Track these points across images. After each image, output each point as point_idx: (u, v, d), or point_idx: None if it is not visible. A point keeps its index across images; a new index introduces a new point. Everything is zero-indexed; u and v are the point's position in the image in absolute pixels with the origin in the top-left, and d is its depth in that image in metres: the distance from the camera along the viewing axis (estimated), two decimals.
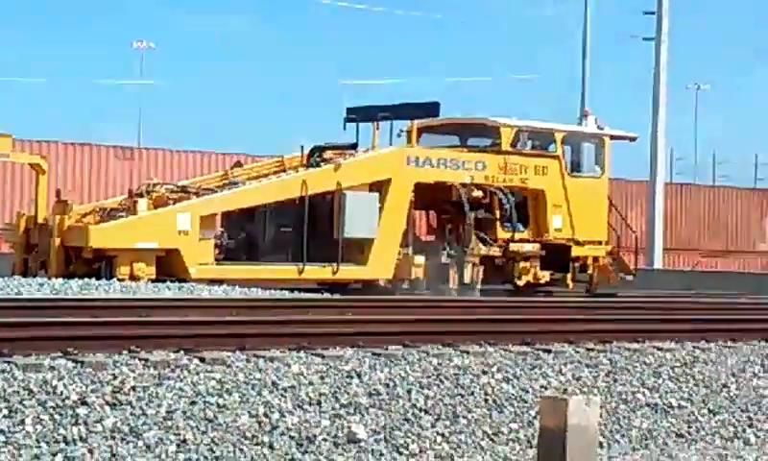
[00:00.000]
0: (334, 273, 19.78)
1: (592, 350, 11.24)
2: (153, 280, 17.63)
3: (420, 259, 20.53)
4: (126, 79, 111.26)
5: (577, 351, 11.09)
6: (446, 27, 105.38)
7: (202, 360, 8.93)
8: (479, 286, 20.96)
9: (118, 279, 17.30)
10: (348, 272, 20.01)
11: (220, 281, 17.87)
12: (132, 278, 17.69)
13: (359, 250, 20.11)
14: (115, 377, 8.25)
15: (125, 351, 8.89)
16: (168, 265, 18.32)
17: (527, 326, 12.17)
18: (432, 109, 21.70)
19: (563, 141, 22.79)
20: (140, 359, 8.71)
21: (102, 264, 17.93)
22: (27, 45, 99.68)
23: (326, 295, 17.39)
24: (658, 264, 32.18)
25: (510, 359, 10.44)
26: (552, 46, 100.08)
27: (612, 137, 23.84)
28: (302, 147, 21.14)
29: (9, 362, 8.21)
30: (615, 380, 10.62)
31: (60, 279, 16.41)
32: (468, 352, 10.40)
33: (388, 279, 20.45)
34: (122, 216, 18.60)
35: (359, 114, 21.73)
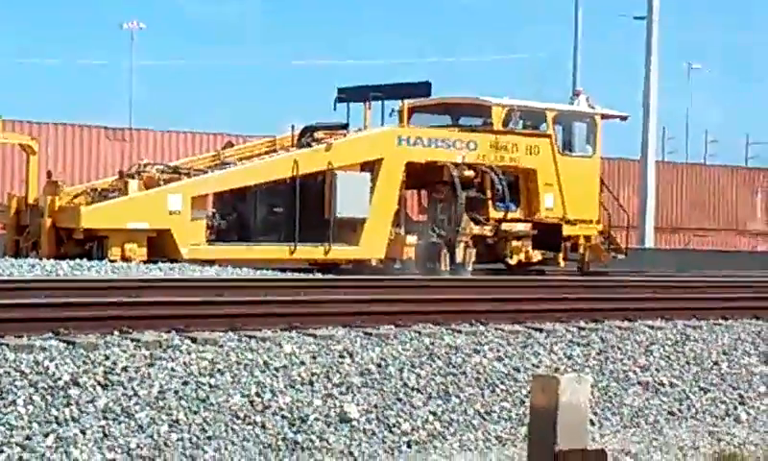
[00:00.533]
0: (326, 253, 19.80)
1: (584, 328, 11.26)
2: (144, 261, 17.64)
3: (411, 239, 20.53)
4: (116, 60, 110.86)
5: (569, 330, 11.12)
6: (435, 6, 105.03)
7: (193, 340, 8.93)
8: (471, 266, 20.99)
9: (110, 261, 17.31)
10: (339, 252, 20.02)
11: (211, 262, 17.87)
12: (124, 258, 17.70)
13: (351, 230, 20.11)
14: (107, 358, 8.26)
15: (116, 332, 8.89)
16: (160, 246, 18.30)
17: (519, 304, 12.19)
18: (423, 88, 21.66)
19: (554, 120, 22.78)
20: (132, 340, 8.71)
21: (93, 245, 17.93)
22: (22, 29, 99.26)
23: (318, 275, 17.41)
24: (649, 243, 32.23)
25: (502, 338, 10.46)
26: (542, 25, 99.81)
27: (604, 117, 23.84)
28: (293, 127, 21.10)
29: (0, 344, 8.20)
30: (607, 359, 10.65)
31: (52, 261, 16.40)
32: (460, 332, 10.42)
33: (380, 259, 20.45)
34: (113, 197, 18.57)
35: (350, 94, 21.69)
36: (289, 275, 16.86)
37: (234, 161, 20.30)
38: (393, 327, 10.28)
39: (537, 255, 22.08)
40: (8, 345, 8.18)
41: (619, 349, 10.92)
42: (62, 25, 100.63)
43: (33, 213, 18.55)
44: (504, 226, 21.73)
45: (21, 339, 8.42)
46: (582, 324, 11.43)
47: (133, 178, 18.92)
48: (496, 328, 10.73)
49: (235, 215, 20.16)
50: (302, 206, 19.52)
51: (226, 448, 7.77)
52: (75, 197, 18.80)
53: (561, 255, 22.50)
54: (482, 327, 10.71)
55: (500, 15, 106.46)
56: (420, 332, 10.17)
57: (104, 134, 29.18)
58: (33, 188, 18.84)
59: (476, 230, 21.30)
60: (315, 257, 19.97)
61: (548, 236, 22.12)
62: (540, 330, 10.93)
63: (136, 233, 18.13)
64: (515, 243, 21.83)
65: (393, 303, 11.74)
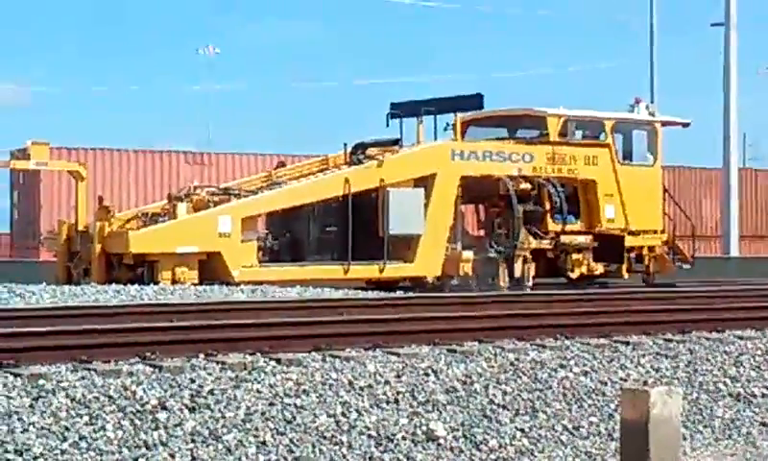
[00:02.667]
0: (381, 271, 19.56)
1: (671, 340, 11.09)
2: (196, 284, 17.53)
3: (468, 255, 20.22)
4: (191, 84, 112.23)
5: (655, 343, 10.95)
6: (494, 19, 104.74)
7: (278, 361, 8.94)
8: (531, 281, 20.69)
9: (155, 283, 17.18)
10: (394, 270, 19.76)
11: (263, 284, 17.63)
12: (175, 282, 17.57)
13: (405, 247, 19.88)
14: (193, 381, 8.29)
15: (202, 355, 8.93)
16: (211, 268, 18.20)
17: (604, 317, 12.04)
18: (475, 100, 21.34)
19: (613, 129, 22.42)
20: (217, 362, 8.75)
21: (144, 269, 17.90)
22: (92, 56, 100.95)
23: (399, 294, 17.37)
24: (734, 252, 31.72)
25: (587, 352, 10.33)
26: (619, 35, 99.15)
27: (664, 124, 23.46)
28: (345, 145, 20.89)
29: (88, 369, 8.28)
30: (696, 371, 10.47)
31: (136, 286, 16.54)
32: (544, 346, 10.32)
33: (436, 277, 20.17)
34: (163, 220, 18.54)
35: (402, 109, 21.44)
36: (371, 294, 16.85)
37: (285, 181, 20.15)
38: (476, 343, 10.21)
39: (599, 268, 21.71)
40: (96, 370, 8.26)
41: (708, 360, 10.73)
42: (138, 52, 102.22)
43: (83, 239, 18.56)
44: (564, 238, 21.40)
45: (108, 364, 8.49)
46: (669, 336, 11.25)
47: (182, 200, 18.86)
48: (581, 342, 10.60)
49: (288, 235, 20.02)
50: (355, 225, 19.31)
51: None
52: (126, 222, 18.83)
53: (624, 267, 22.06)
54: (567, 342, 10.58)
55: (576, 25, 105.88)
56: (503, 348, 10.08)
57: (183, 159, 29.50)
58: (82, 214, 18.87)
59: (535, 243, 21.00)
60: (369, 276, 19.77)
61: (610, 248, 21.74)
62: (627, 343, 10.77)
63: (186, 257, 18.02)
64: (575, 256, 21.49)
65: (475, 319, 11.67)
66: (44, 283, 16.80)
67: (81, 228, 18.77)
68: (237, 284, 17.51)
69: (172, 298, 15.31)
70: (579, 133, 22.40)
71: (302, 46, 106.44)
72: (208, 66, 63.44)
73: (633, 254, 22.40)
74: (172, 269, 17.88)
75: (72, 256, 18.81)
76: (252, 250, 18.91)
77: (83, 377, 8.10)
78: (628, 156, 22.75)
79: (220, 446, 7.68)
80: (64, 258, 18.91)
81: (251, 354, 9.07)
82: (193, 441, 7.64)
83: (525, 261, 20.73)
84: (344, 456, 7.96)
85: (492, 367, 9.58)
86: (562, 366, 9.89)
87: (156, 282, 17.45)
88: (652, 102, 28.86)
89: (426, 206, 20.04)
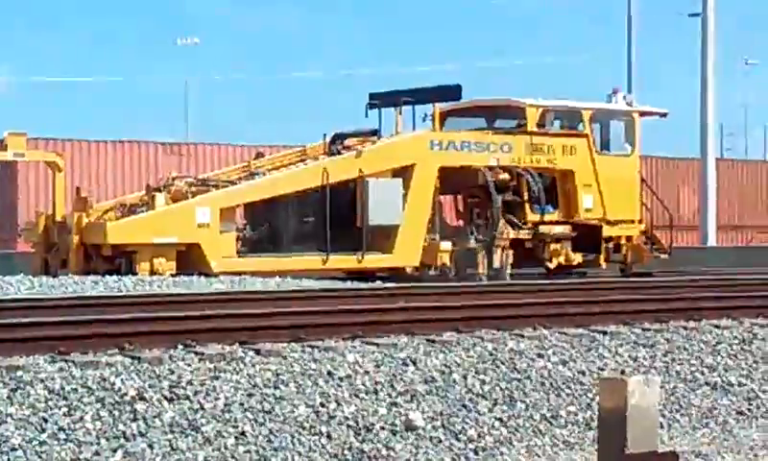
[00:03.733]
0: (359, 262, 19.55)
1: (648, 330, 11.14)
2: (174, 275, 17.44)
3: (446, 246, 20.24)
4: (170, 74, 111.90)
5: (633, 332, 11.00)
6: (474, 11, 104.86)
7: (257, 352, 8.95)
8: (509, 271, 20.70)
9: (133, 274, 17.09)
10: (373, 260, 19.75)
11: (242, 274, 17.58)
12: (153, 273, 17.48)
13: (384, 237, 19.87)
14: (172, 372, 8.29)
15: (180, 346, 8.93)
16: (189, 259, 18.12)
17: (582, 307, 12.08)
18: (454, 91, 21.32)
19: (591, 119, 22.45)
20: (196, 353, 8.74)
21: (122, 261, 17.82)
22: (73, 47, 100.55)
23: (379, 284, 17.39)
24: (711, 241, 31.87)
25: (566, 342, 10.38)
26: (596, 25, 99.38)
27: (642, 114, 23.51)
28: (324, 135, 20.87)
29: (66, 360, 8.27)
30: (673, 360, 10.53)
31: (115, 277, 16.49)
32: (523, 336, 10.35)
33: (415, 267, 20.18)
34: (141, 211, 18.46)
35: (381, 100, 21.36)
36: (350, 284, 16.85)
37: (263, 172, 20.07)
38: (455, 333, 10.23)
39: (577, 258, 21.76)
40: (74, 361, 8.24)
41: (685, 349, 10.79)
42: (118, 42, 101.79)
43: (61, 231, 18.45)
44: (542, 228, 21.44)
45: (87, 355, 8.48)
46: (646, 325, 11.31)
47: (160, 191, 18.78)
48: (560, 332, 10.64)
49: (266, 226, 19.95)
50: (334, 215, 19.28)
51: (292, 459, 7.77)
52: (104, 213, 18.70)
53: (602, 257, 22.12)
54: (545, 332, 10.62)
55: (554, 18, 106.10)
56: (482, 338, 10.11)
57: (161, 150, 29.40)
58: (60, 206, 18.75)
59: (513, 233, 21.01)
60: (348, 266, 19.71)
61: (588, 238, 21.79)
62: (604, 333, 10.82)
63: (165, 248, 17.95)
64: (553, 246, 21.53)
65: (454, 309, 11.69)
66: (21, 274, 16.74)
67: (58, 219, 18.64)
68: (216, 275, 17.47)
69: (150, 289, 15.28)
70: (557, 124, 22.45)
71: (284, 36, 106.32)
72: (188, 56, 63.31)
73: (610, 244, 22.45)
74: (150, 260, 17.78)
75: (50, 248, 18.69)
76: (231, 241, 18.85)
77: (61, 369, 8.09)
78: (606, 146, 22.78)
79: (199, 436, 7.68)
80: (42, 250, 18.78)
81: (229, 345, 9.07)
82: (172, 432, 7.64)
83: (504, 251, 20.73)
84: (323, 446, 7.97)
85: (471, 357, 9.61)
86: (540, 355, 9.93)
87: (134, 273, 17.36)
88: (629, 92, 28.92)
89: (405, 196, 20.02)
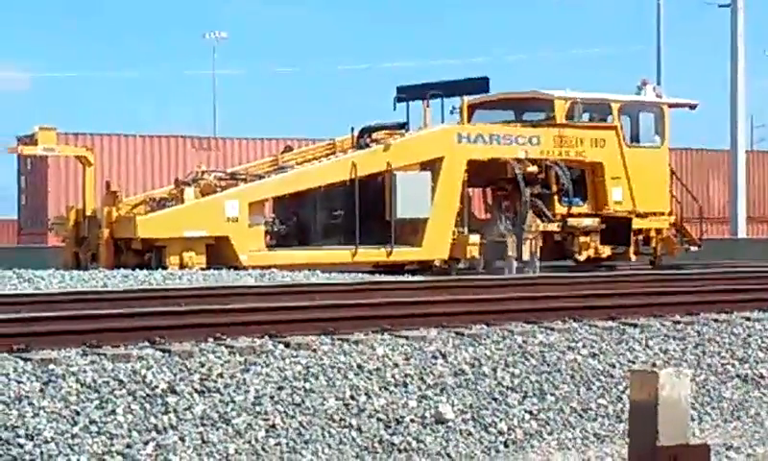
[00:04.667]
0: (388, 255, 19.59)
1: (679, 322, 11.09)
2: (204, 269, 17.53)
3: (475, 238, 20.25)
4: (198, 70, 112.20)
5: (663, 325, 10.95)
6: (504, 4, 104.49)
7: (287, 345, 8.97)
8: (538, 263, 20.66)
9: (163, 268, 17.15)
10: (402, 253, 19.78)
11: (271, 268, 17.56)
12: (182, 266, 17.57)
13: (413, 231, 19.89)
14: (202, 365, 8.32)
15: (211, 339, 8.95)
16: (218, 253, 18.20)
17: (612, 300, 12.04)
18: (482, 84, 21.35)
19: (620, 111, 22.39)
20: (226, 346, 8.77)
21: (152, 254, 17.91)
22: (94, 41, 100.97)
23: (408, 277, 17.38)
24: (742, 233, 31.69)
25: (596, 334, 10.34)
26: (624, 17, 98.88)
27: (671, 106, 23.40)
28: (353, 129, 20.91)
29: (98, 353, 8.32)
30: (704, 352, 10.48)
31: (144, 271, 16.57)
32: (552, 329, 10.32)
33: (444, 260, 20.17)
34: (171, 205, 18.52)
35: (409, 93, 21.43)
36: (379, 277, 16.86)
37: (292, 165, 20.09)
38: (485, 326, 10.22)
39: (606, 251, 21.70)
40: (105, 354, 8.29)
41: (716, 342, 10.73)
42: (145, 37, 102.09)
43: (91, 225, 18.57)
44: (571, 221, 21.40)
45: (118, 348, 8.52)
46: (677, 317, 11.26)
47: (189, 185, 18.84)
48: (590, 325, 10.61)
49: (295, 220, 20.01)
50: (363, 209, 19.32)
51: (323, 452, 7.79)
52: (134, 207, 18.79)
53: (631, 250, 22.04)
54: (575, 324, 10.59)
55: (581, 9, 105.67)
56: (512, 331, 10.09)
57: (190, 144, 29.50)
58: (90, 200, 18.87)
59: (542, 226, 20.99)
60: (377, 260, 19.75)
61: (617, 230, 21.71)
62: (635, 326, 10.78)
63: (194, 241, 18.05)
64: (582, 239, 21.49)
65: (483, 302, 11.67)
66: (53, 269, 16.83)
67: (88, 213, 18.76)
68: (245, 269, 17.52)
69: (181, 282, 15.34)
70: (586, 116, 22.37)
71: (313, 30, 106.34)
72: (216, 51, 63.45)
73: (640, 237, 22.38)
74: (180, 254, 17.90)
75: (80, 242, 18.80)
76: (260, 234, 18.92)
77: (92, 362, 8.13)
78: (635, 138, 22.71)
79: (229, 429, 7.71)
80: (72, 244, 18.91)
81: (259, 338, 9.09)
82: (203, 424, 7.67)
83: (532, 244, 20.71)
84: (353, 439, 7.98)
85: (501, 350, 9.60)
86: (570, 348, 9.90)
87: (164, 267, 17.45)
88: (659, 84, 28.78)
89: (433, 189, 20.03)
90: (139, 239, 17.93)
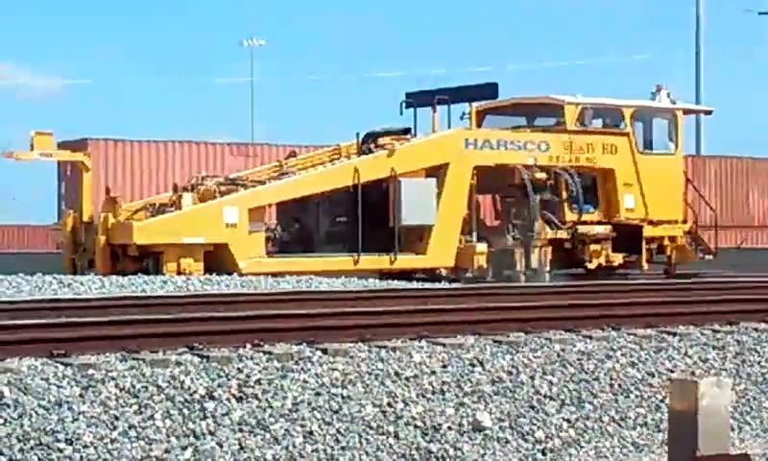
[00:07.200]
0: (391, 262, 19.29)
1: (719, 331, 11.01)
2: (203, 275, 17.22)
3: (482, 247, 19.95)
4: (236, 77, 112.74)
5: (703, 333, 10.88)
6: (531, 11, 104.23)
7: (324, 352, 8.97)
8: (548, 271, 20.39)
9: (160, 274, 16.97)
10: (406, 261, 19.48)
11: (270, 275, 17.42)
12: (180, 273, 17.33)
13: (417, 238, 19.63)
14: (240, 371, 8.34)
15: (249, 345, 8.98)
16: (217, 260, 17.94)
17: (650, 308, 11.97)
18: (490, 90, 21.11)
19: (632, 117, 22.00)
20: (264, 352, 8.79)
21: (149, 261, 17.72)
22: (128, 47, 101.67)
23: (445, 284, 17.35)
24: None
25: (634, 343, 10.29)
26: (664, 27, 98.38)
27: (686, 112, 23.04)
28: (358, 134, 20.63)
29: (137, 359, 8.36)
30: (744, 362, 10.40)
31: (182, 277, 16.58)
32: (591, 337, 10.28)
33: (449, 268, 19.93)
34: (169, 211, 18.27)
35: (416, 99, 21.16)
36: (415, 285, 16.85)
37: (294, 171, 19.82)
38: (522, 334, 10.19)
39: (617, 259, 21.33)
40: (144, 360, 8.33)
41: (756, 351, 10.65)
42: (184, 44, 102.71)
43: (88, 231, 18.38)
44: (581, 228, 21.04)
45: (157, 354, 8.56)
46: (716, 326, 11.18)
47: (188, 191, 18.60)
48: (628, 333, 10.56)
49: (297, 226, 19.72)
50: (366, 215, 19.05)
51: (360, 459, 7.79)
52: (134, 213, 18.53)
53: (644, 258, 21.63)
54: (613, 333, 10.54)
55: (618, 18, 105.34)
56: (550, 339, 10.06)
57: (228, 151, 29.59)
58: (87, 205, 18.65)
59: (551, 233, 20.68)
60: (380, 267, 19.39)
61: (629, 238, 21.32)
62: (674, 334, 10.71)
63: (192, 248, 17.78)
64: (593, 246, 21.09)
65: (521, 309, 11.64)
66: (92, 274, 16.88)
67: (85, 219, 18.54)
68: (244, 276, 17.23)
69: (218, 288, 15.40)
70: (598, 122, 22.09)
71: (342, 39, 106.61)
72: (254, 58, 63.78)
73: (653, 245, 22.03)
74: (177, 260, 17.62)
75: (77, 248, 18.61)
76: (260, 241, 18.57)
77: (131, 367, 8.18)
78: (648, 144, 22.34)
79: (267, 435, 7.72)
80: (70, 250, 18.70)
81: (297, 344, 9.11)
82: (241, 430, 7.69)
83: (542, 251, 20.39)
84: (390, 446, 7.98)
85: (539, 358, 9.57)
86: (608, 357, 9.85)
87: (161, 274, 17.23)
88: (698, 94, 28.58)
89: (439, 196, 19.71)
90: (135, 245, 17.68)
